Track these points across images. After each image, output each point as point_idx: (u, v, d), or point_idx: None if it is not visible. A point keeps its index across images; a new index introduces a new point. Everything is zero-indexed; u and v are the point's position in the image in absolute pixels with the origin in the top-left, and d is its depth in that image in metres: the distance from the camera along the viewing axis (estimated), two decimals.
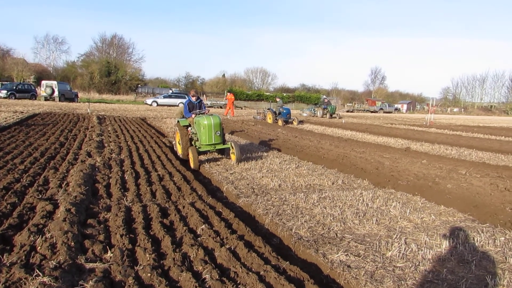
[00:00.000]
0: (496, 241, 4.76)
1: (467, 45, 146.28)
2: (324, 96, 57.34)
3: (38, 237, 3.90)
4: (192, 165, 8.91)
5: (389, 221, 5.41)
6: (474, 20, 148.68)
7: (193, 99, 9.96)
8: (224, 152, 10.29)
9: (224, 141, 9.63)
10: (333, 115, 33.30)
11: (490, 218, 5.82)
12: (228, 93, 25.94)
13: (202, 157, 9.99)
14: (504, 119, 59.53)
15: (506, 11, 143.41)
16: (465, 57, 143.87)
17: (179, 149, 10.17)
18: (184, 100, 42.71)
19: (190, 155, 9.01)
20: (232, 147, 9.40)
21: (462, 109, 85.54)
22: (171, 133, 15.63)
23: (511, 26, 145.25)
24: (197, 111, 9.68)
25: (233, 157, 9.43)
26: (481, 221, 5.64)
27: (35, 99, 37.93)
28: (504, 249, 4.53)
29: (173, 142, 11.22)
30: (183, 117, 10.20)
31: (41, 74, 54.96)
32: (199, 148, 9.26)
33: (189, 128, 9.80)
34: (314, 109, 35.29)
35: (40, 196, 5.50)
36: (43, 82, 38.13)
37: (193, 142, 9.68)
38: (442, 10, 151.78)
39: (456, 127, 28.60)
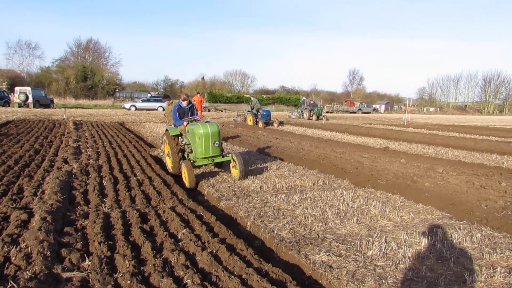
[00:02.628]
0: (473, 237, 4.86)
1: (442, 46, 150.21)
2: (304, 98, 57.73)
3: (12, 248, 3.78)
4: (187, 184, 7.44)
5: (370, 220, 5.46)
6: (448, 21, 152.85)
7: (184, 103, 8.65)
8: (222, 166, 8.97)
9: (223, 153, 8.34)
10: (319, 117, 32.78)
11: (467, 215, 5.95)
12: (198, 95, 25.39)
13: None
14: (478, 118, 61.20)
15: (479, 13, 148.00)
16: (440, 57, 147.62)
17: (168, 163, 8.76)
18: (164, 104, 42.64)
19: (184, 171, 7.57)
20: (234, 160, 7.93)
21: (438, 109, 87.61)
22: (152, 139, 15.40)
23: (484, 27, 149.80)
24: (190, 117, 8.41)
25: (234, 171, 8.01)
26: (458, 218, 5.75)
27: (9, 106, 36.84)
28: (480, 245, 4.63)
29: (161, 155, 9.89)
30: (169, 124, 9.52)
31: (14, 80, 53.41)
32: (194, 162, 7.97)
33: (180, 138, 8.55)
34: (301, 111, 35.08)
35: (14, 205, 5.33)
36: (17, 89, 37.08)
37: (185, 155, 8.49)
38: (417, 12, 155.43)
39: (432, 126, 29.22)
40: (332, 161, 10.49)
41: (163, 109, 41.76)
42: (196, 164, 7.98)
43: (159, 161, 10.01)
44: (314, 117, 32.55)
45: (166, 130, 8.65)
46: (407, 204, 6.44)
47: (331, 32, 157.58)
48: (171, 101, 11.54)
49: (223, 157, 8.16)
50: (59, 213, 4.93)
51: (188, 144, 8.34)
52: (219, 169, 8.87)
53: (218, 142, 7.76)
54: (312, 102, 35.69)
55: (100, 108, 44.44)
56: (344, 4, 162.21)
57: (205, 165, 8.43)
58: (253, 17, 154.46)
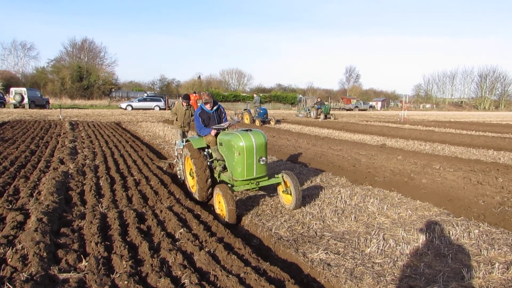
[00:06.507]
0: (470, 234, 4.86)
1: (438, 42, 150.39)
2: (300, 95, 57.74)
3: (8, 249, 3.75)
4: (225, 216, 5.21)
5: (367, 217, 5.46)
6: (444, 17, 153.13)
7: (207, 107, 6.53)
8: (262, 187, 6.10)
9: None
10: (327, 116, 31.50)
11: (464, 211, 5.96)
12: (194, 94, 25.34)
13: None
14: (474, 114, 61.31)
15: (474, 9, 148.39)
16: (436, 54, 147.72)
17: (192, 185, 6.77)
18: (160, 104, 42.47)
19: (219, 199, 5.39)
20: (286, 182, 5.87)
21: (434, 105, 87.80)
22: (149, 138, 15.33)
23: (479, 23, 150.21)
24: (221, 125, 6.31)
25: (286, 198, 5.95)
26: (455, 215, 5.76)
27: (4, 107, 36.67)
28: (478, 241, 4.64)
29: (176, 169, 7.90)
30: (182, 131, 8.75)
31: (10, 81, 53.03)
32: (232, 186, 5.64)
33: (205, 151, 6.45)
34: (308, 110, 34.39)
35: (10, 206, 5.30)
36: (12, 89, 36.87)
37: (215, 175, 6.35)
38: (413, 8, 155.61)
39: (428, 123, 29.29)
40: (329, 159, 10.49)
41: (160, 109, 41.67)
42: (234, 189, 5.65)
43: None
44: (322, 116, 30.97)
45: (187, 141, 6.74)
46: (405, 201, 6.44)
47: (327, 30, 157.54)
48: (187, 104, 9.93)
49: (269, 178, 5.97)
50: (55, 214, 4.90)
51: (219, 160, 6.30)
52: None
53: (264, 159, 5.67)
54: (319, 100, 34.57)
55: (96, 108, 44.27)
56: (339, 1, 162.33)
57: (247, 190, 6.16)
58: (247, 15, 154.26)
